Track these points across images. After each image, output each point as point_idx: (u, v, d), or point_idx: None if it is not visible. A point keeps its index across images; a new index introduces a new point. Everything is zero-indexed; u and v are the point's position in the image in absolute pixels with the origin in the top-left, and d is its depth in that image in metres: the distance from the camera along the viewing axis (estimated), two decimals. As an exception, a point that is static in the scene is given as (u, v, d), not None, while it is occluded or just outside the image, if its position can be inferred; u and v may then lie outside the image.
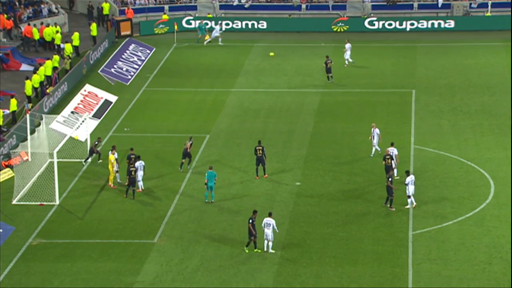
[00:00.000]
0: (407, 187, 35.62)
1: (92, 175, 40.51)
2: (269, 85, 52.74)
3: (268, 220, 32.86)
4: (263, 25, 62.96)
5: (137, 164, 38.16)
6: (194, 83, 53.37)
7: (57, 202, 37.59)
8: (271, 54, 41.93)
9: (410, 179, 35.56)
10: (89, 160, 40.46)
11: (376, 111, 47.97)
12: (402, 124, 45.80)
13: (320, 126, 46.19)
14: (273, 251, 32.81)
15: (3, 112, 44.86)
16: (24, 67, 54.23)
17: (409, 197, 35.64)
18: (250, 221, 32.75)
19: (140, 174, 38.17)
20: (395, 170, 38.63)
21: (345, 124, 46.22)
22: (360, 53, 58.05)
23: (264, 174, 39.46)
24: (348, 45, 54.72)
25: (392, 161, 38.21)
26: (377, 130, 41.43)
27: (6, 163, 41.17)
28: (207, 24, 61.78)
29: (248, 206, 35.66)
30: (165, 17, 64.21)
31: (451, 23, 62.27)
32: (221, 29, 60.93)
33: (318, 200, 37.62)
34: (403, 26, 61.76)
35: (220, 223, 35.47)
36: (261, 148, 39.31)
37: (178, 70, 55.82)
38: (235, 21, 63.14)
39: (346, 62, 54.81)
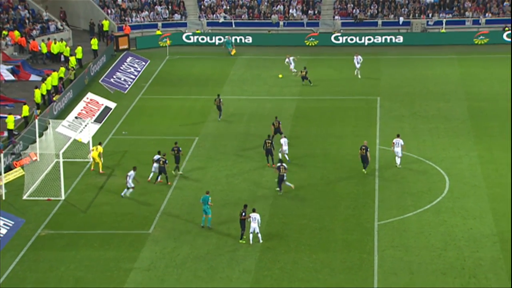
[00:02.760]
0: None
1: (94, 174, 40.33)
2: (251, 93, 52.74)
3: (253, 215, 32.81)
4: (249, 40, 63.03)
5: (155, 157, 38.32)
6: (185, 91, 53.26)
7: (63, 198, 37.42)
8: (280, 76, 41.75)
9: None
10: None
11: (346, 115, 48.07)
12: (369, 127, 45.95)
13: (297, 129, 46.19)
14: (261, 241, 32.71)
15: (15, 117, 44.60)
16: (33, 77, 53.93)
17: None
18: (243, 214, 32.66)
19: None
20: (399, 159, 39.37)
21: (319, 128, 46.29)
22: (331, 65, 58.20)
23: (273, 164, 39.52)
24: (290, 58, 54.55)
25: (367, 152, 38.63)
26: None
27: (17, 163, 40.96)
28: (235, 40, 61.69)
29: (233, 201, 35.62)
30: (158, 32, 64.07)
31: (411, 39, 62.73)
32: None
33: (295, 194, 37.61)
34: (362, 41, 62.32)
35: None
36: (270, 141, 39.65)
37: (170, 80, 55.68)
38: (219, 36, 63.14)
39: (293, 71, 54.25)
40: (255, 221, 32.69)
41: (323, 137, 44.74)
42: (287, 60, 54.83)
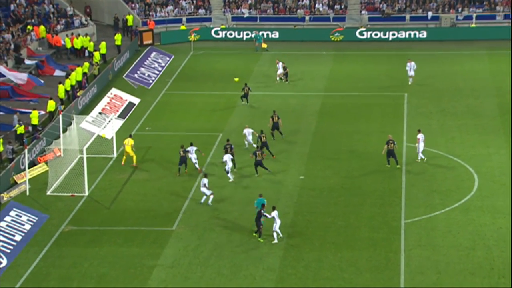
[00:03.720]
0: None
1: (118, 170, 40.54)
2: (275, 89, 52.62)
3: (276, 213, 32.85)
4: (276, 35, 62.95)
5: (189, 148, 38.56)
6: (209, 87, 53.30)
7: (87, 193, 37.66)
8: (236, 79, 41.16)
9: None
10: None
11: (372, 112, 47.80)
12: (395, 124, 45.64)
13: (322, 125, 46.06)
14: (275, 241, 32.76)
15: (39, 113, 44.93)
16: (57, 72, 54.28)
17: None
18: (263, 211, 32.70)
19: (194, 157, 38.51)
20: (420, 154, 39.50)
21: (344, 124, 46.06)
22: (357, 60, 57.92)
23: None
24: (279, 64, 53.13)
25: (394, 146, 38.80)
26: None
27: (41, 159, 41.29)
28: (263, 35, 61.59)
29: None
30: (182, 27, 64.19)
31: (437, 34, 62.23)
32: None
33: (320, 192, 37.54)
34: (386, 36, 61.92)
35: (232, 213, 35.44)
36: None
37: (194, 75, 55.76)
38: (247, 31, 63.07)
39: (278, 78, 52.92)
40: (277, 218, 32.78)
41: (348, 134, 44.54)
42: (277, 65, 53.14)
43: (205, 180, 36.09)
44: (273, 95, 51.42)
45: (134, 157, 40.34)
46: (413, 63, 51.77)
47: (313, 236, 33.25)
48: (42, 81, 49.41)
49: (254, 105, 49.10)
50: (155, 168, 40.67)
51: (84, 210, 36.23)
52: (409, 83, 51.80)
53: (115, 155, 42.23)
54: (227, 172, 38.52)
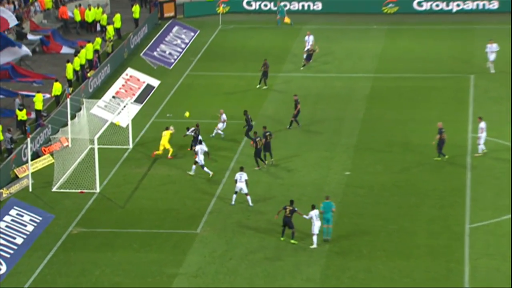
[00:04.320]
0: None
1: (134, 163, 40.77)
2: (317, 70, 52.45)
3: (316, 212, 32.92)
4: (318, 6, 62.70)
5: (197, 148, 38.65)
6: (240, 67, 53.31)
7: (98, 190, 37.93)
8: (186, 114, 41.40)
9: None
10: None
11: (430, 97, 47.45)
12: (459, 111, 45.21)
13: (371, 112, 45.83)
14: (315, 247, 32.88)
15: (43, 96, 45.31)
16: (65, 49, 54.72)
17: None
18: (289, 211, 32.72)
19: (201, 158, 38.53)
20: (482, 146, 39.41)
21: (398, 111, 45.81)
22: (414, 36, 57.45)
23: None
24: (309, 38, 52.63)
25: (443, 135, 38.81)
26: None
27: (46, 149, 41.66)
28: (285, 6, 61.61)
29: (294, 196, 35.55)
30: (209, -2, 64.27)
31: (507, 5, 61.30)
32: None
33: (369, 190, 37.36)
34: (450, 7, 61.26)
35: (266, 214, 35.45)
36: (269, 134, 39.42)
37: (223, 54, 55.82)
38: (292, 3, 62.82)
39: (305, 56, 52.57)
40: (318, 218, 32.75)
41: (403, 122, 44.29)
42: (306, 37, 52.95)
43: (245, 175, 36.04)
44: (315, 77, 51.30)
45: (171, 150, 40.55)
46: (494, 45, 50.26)
47: (361, 242, 33.13)
48: (69, 41, 49.25)
49: (292, 88, 49.02)
50: (177, 162, 40.83)
51: (95, 210, 36.52)
52: (490, 71, 50.06)
53: (131, 145, 42.46)
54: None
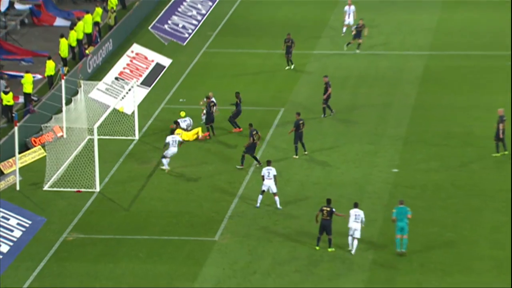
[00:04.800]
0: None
1: (140, 157, 40.88)
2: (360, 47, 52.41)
3: (356, 211, 32.86)
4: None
5: (170, 139, 38.80)
6: (267, 43, 53.28)
7: (98, 189, 38.10)
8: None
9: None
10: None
11: (497, 79, 47.20)
12: (530, 97, 45.01)
13: (424, 98, 45.69)
14: (354, 249, 33.00)
15: (34, 77, 45.52)
16: (59, 21, 54.91)
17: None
18: (327, 212, 32.75)
19: (172, 151, 38.84)
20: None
21: (456, 96, 45.62)
22: (475, 7, 57.09)
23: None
24: (350, 8, 52.62)
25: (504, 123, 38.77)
26: None
27: (37, 140, 41.86)
28: None
29: (333, 198, 35.43)
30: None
31: None
32: None
33: (421, 191, 37.24)
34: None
35: (297, 218, 35.44)
36: (255, 132, 39.29)
37: (246, 27, 55.84)
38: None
39: (344, 29, 52.76)
40: (358, 220, 32.76)
41: (462, 109, 44.13)
42: (346, 8, 52.70)
43: (273, 171, 35.99)
44: (356, 55, 51.16)
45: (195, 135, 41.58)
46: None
47: (411, 253, 33.03)
48: (64, 11, 49.33)
49: (329, 69, 48.89)
50: (192, 155, 40.91)
51: (94, 212, 36.67)
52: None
53: (137, 136, 42.57)
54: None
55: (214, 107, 42.58)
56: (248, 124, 40.24)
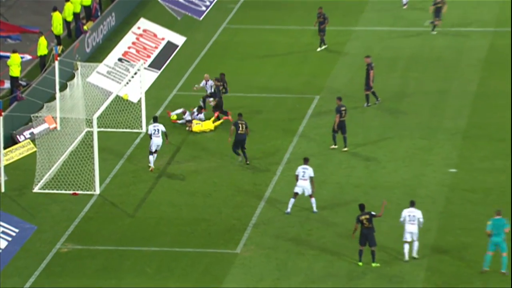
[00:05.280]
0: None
1: (147, 153, 40.95)
2: (410, 22, 52.28)
3: (411, 211, 32.95)
4: None
5: (151, 128, 39.13)
6: (299, 18, 53.33)
7: (97, 191, 38.22)
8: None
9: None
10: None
11: None
12: None
13: (488, 84, 45.69)
14: (417, 256, 32.95)
15: (22, 58, 45.65)
16: (52, -8, 55.11)
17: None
18: (363, 221, 32.78)
19: (156, 143, 39.11)
20: None
21: (527, 82, 45.58)
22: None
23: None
24: None
25: None
26: None
27: (26, 133, 41.99)
28: None
29: (376, 203, 35.40)
30: None
31: None
32: None
33: (484, 196, 37.12)
34: None
35: (334, 227, 35.43)
36: (243, 123, 39.48)
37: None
38: None
39: (405, 1, 53.39)
40: (414, 222, 32.90)
41: (534, 98, 44.14)
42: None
43: (310, 170, 35.90)
44: (407, 32, 51.13)
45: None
46: None
47: (472, 271, 32.91)
48: (19, 35, 49.91)
49: (373, 48, 48.78)
50: (210, 151, 40.98)
51: (94, 219, 36.77)
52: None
53: (144, 129, 42.67)
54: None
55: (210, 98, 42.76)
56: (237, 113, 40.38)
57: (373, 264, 32.99)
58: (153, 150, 39.40)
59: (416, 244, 32.96)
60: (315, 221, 35.89)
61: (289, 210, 36.23)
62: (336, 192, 37.74)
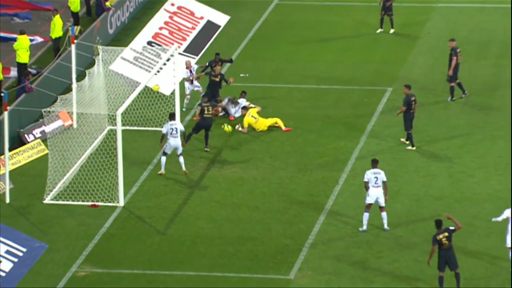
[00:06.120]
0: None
1: (184, 158, 40.98)
2: (503, -2, 52.16)
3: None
4: None
5: (168, 126, 39.61)
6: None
7: (122, 203, 38.30)
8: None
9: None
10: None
11: None
12: None
13: None
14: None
15: (31, 40, 45.86)
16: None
17: None
18: (442, 239, 32.59)
19: (173, 145, 39.56)
20: None
21: None
22: None
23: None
24: None
25: None
26: None
27: (35, 132, 42.17)
28: None
29: (462, 218, 35.15)
30: None
31: None
32: None
33: None
34: None
35: (410, 249, 35.29)
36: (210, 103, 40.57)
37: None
38: None
39: None
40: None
41: None
42: None
43: (382, 175, 35.84)
44: (501, 9, 50.81)
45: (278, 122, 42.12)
46: None
47: None
48: (29, 13, 50.27)
49: (459, 30, 48.58)
50: (257, 154, 40.97)
51: (117, 236, 36.86)
52: None
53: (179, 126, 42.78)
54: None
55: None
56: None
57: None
58: (169, 152, 39.50)
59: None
60: (387, 241, 35.77)
61: (365, 227, 36.03)
62: (413, 206, 37.63)
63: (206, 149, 40.85)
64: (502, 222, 33.37)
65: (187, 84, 43.77)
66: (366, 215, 36.00)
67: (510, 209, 33.09)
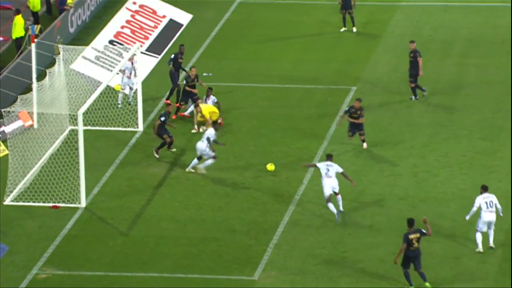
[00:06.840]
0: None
1: (146, 158, 40.92)
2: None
3: (486, 197, 33.90)
4: None
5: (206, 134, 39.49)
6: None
7: (83, 204, 38.17)
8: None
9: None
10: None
11: None
12: None
13: None
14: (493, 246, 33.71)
15: (-8, 40, 45.88)
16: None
17: None
18: (413, 240, 32.67)
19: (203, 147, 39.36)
20: None
21: None
22: None
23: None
24: None
25: None
26: None
27: (-5, 132, 42.14)
28: None
29: (429, 219, 35.16)
30: None
31: None
32: None
33: None
34: None
35: (375, 249, 35.33)
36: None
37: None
38: None
39: None
40: (492, 209, 33.69)
41: None
42: None
43: (336, 167, 36.46)
44: (466, 8, 51.10)
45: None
46: None
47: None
48: None
49: (424, 28, 48.65)
50: (222, 156, 40.92)
51: (78, 238, 36.70)
52: None
53: (141, 127, 42.70)
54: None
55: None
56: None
57: (427, 284, 32.82)
58: (199, 154, 39.69)
59: (492, 234, 33.89)
60: (351, 241, 35.78)
61: (335, 212, 36.34)
62: (377, 206, 37.66)
63: (172, 149, 40.63)
64: (472, 216, 33.67)
65: (125, 78, 43.50)
66: (330, 205, 36.44)
67: (484, 194, 33.77)
